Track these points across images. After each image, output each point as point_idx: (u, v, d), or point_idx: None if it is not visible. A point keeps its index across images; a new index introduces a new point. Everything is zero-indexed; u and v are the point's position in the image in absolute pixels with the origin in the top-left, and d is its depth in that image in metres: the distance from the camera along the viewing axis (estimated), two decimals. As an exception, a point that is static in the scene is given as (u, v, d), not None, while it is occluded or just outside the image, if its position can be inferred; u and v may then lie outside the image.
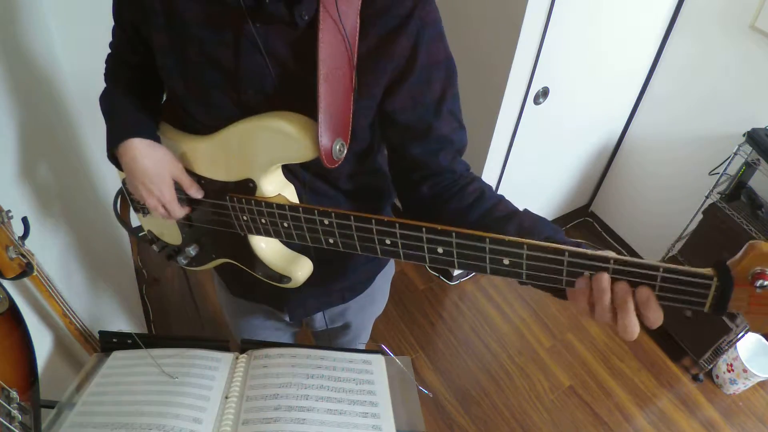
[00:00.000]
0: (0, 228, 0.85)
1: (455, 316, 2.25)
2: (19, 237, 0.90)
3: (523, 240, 0.56)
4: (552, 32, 1.55)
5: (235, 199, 0.74)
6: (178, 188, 0.78)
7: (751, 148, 1.68)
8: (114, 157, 0.78)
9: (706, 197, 1.88)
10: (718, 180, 1.83)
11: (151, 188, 0.75)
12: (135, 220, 0.97)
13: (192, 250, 0.87)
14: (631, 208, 2.43)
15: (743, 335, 1.92)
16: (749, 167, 1.73)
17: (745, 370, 1.91)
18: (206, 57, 0.67)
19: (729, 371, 1.99)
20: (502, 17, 1.54)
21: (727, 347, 1.97)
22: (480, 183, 0.74)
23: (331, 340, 1.14)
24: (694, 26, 1.88)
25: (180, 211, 0.79)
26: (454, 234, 0.59)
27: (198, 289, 2.15)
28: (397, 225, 0.62)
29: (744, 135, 1.69)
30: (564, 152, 2.22)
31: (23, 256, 0.90)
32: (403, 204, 0.81)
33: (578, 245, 0.58)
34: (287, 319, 1.01)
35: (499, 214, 0.68)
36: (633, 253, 2.48)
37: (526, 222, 0.66)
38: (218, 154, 0.74)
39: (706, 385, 2.07)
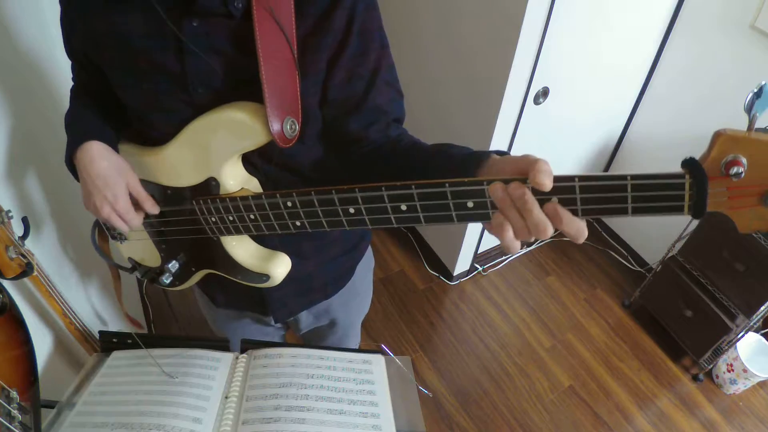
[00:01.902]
0: (0, 228, 0.85)
1: (455, 316, 2.25)
2: (19, 237, 0.91)
3: (483, 178, 0.55)
4: (552, 32, 1.55)
5: (201, 201, 0.75)
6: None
7: (751, 148, 1.68)
8: (72, 165, 0.77)
9: (706, 197, 1.88)
10: (718, 180, 1.83)
11: (105, 194, 0.73)
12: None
13: (172, 267, 0.87)
14: (631, 208, 2.43)
15: (743, 335, 1.92)
16: (749, 167, 1.73)
17: (745, 370, 1.91)
18: (152, 65, 0.68)
19: (729, 371, 1.99)
20: (502, 17, 1.54)
21: (727, 347, 1.97)
22: (400, 134, 0.75)
23: (319, 340, 1.14)
24: (694, 26, 1.88)
25: (136, 219, 0.77)
26: (413, 186, 0.58)
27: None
28: (357, 189, 0.62)
29: (744, 135, 1.69)
30: (564, 152, 2.22)
31: (23, 256, 0.90)
32: (345, 174, 0.80)
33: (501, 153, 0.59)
34: (272, 322, 1.01)
35: (409, 146, 0.71)
36: (633, 252, 2.48)
37: (433, 147, 0.68)
38: (178, 160, 0.75)
39: (706, 385, 2.07)
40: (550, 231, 0.52)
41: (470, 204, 0.56)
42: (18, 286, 0.98)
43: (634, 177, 0.49)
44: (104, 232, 0.96)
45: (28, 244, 0.92)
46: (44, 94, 1.21)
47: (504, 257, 2.47)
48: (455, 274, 2.33)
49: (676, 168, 0.50)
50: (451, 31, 1.79)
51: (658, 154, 2.19)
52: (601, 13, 1.67)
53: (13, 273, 0.88)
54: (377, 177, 0.62)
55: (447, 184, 0.56)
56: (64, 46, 0.78)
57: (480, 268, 2.40)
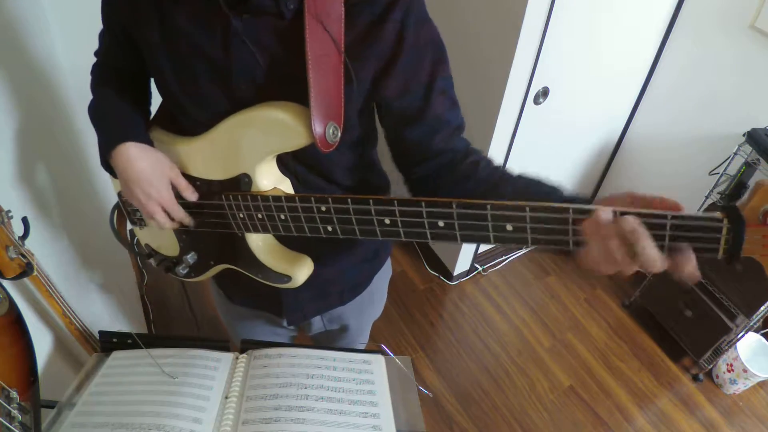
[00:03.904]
0: (0, 228, 0.85)
1: (455, 316, 2.25)
2: (19, 237, 0.91)
3: (525, 203, 0.55)
4: (552, 32, 1.55)
5: (231, 196, 0.74)
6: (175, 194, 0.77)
7: (751, 148, 1.68)
8: (108, 165, 0.77)
9: (706, 197, 1.88)
10: (718, 180, 1.83)
11: (149, 191, 0.74)
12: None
13: (190, 259, 0.86)
14: (631, 208, 2.43)
15: (743, 335, 1.92)
16: (749, 167, 1.73)
17: (745, 370, 1.91)
18: (197, 53, 0.68)
19: (729, 371, 1.99)
20: (502, 17, 1.54)
21: (727, 347, 1.97)
22: (476, 156, 0.74)
23: (328, 342, 1.14)
24: (694, 26, 1.88)
25: (181, 213, 0.78)
26: (454, 204, 0.58)
27: (196, 290, 2.15)
28: (396, 202, 0.62)
29: (744, 135, 1.69)
30: (564, 152, 2.22)
31: (23, 256, 0.90)
32: (407, 186, 0.81)
33: (582, 200, 0.58)
34: (285, 323, 1.00)
35: (495, 179, 0.70)
36: (633, 253, 2.47)
37: (519, 183, 0.67)
38: (212, 152, 0.74)
39: (706, 385, 2.07)
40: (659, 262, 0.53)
41: (509, 227, 0.57)
42: (18, 286, 0.98)
43: (674, 216, 0.50)
44: (123, 216, 0.95)
45: (29, 244, 0.92)
46: (44, 94, 1.21)
47: (504, 257, 2.47)
48: (455, 274, 2.33)
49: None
50: (451, 31, 1.79)
51: (658, 154, 2.19)
52: (601, 13, 1.67)
53: (13, 273, 0.88)
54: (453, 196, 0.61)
55: (488, 206, 0.57)
56: (102, 13, 0.77)
57: (480, 268, 2.40)
